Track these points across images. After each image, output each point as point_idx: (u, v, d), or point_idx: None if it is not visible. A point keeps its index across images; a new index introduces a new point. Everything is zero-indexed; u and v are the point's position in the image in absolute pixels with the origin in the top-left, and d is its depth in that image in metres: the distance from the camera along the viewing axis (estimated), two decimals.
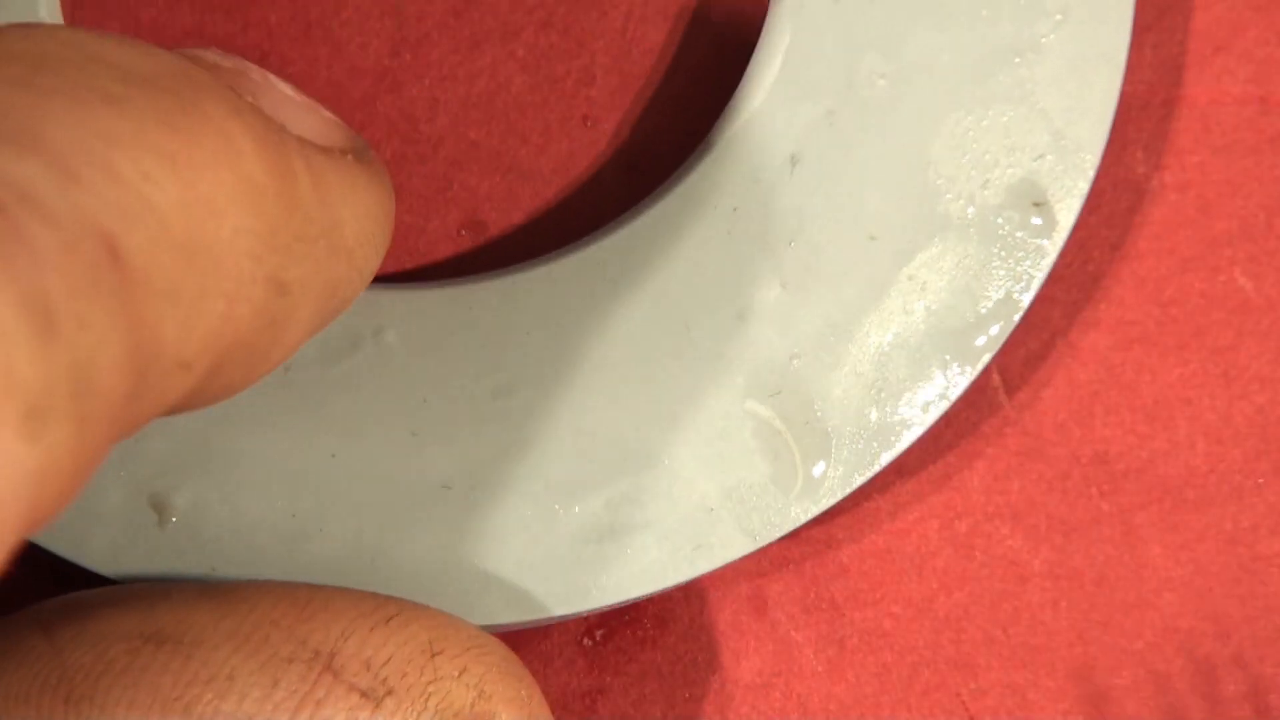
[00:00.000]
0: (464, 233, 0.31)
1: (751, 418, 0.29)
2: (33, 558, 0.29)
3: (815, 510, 0.29)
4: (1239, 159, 0.31)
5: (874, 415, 0.29)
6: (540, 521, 0.29)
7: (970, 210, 0.29)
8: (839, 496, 0.29)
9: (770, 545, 0.29)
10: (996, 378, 0.31)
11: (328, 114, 0.24)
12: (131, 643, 0.24)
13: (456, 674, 0.25)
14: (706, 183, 0.29)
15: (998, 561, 0.31)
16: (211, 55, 0.22)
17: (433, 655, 0.25)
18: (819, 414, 0.29)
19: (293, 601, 0.25)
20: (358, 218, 0.23)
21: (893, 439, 0.29)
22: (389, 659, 0.25)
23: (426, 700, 0.24)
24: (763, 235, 0.29)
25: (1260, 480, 0.30)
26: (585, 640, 0.31)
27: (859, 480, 0.29)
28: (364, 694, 0.24)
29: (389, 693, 0.24)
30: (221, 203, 0.19)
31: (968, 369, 0.29)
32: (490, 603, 0.28)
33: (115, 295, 0.17)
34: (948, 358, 0.29)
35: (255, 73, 0.23)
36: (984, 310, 0.29)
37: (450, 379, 0.29)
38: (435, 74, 0.31)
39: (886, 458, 0.29)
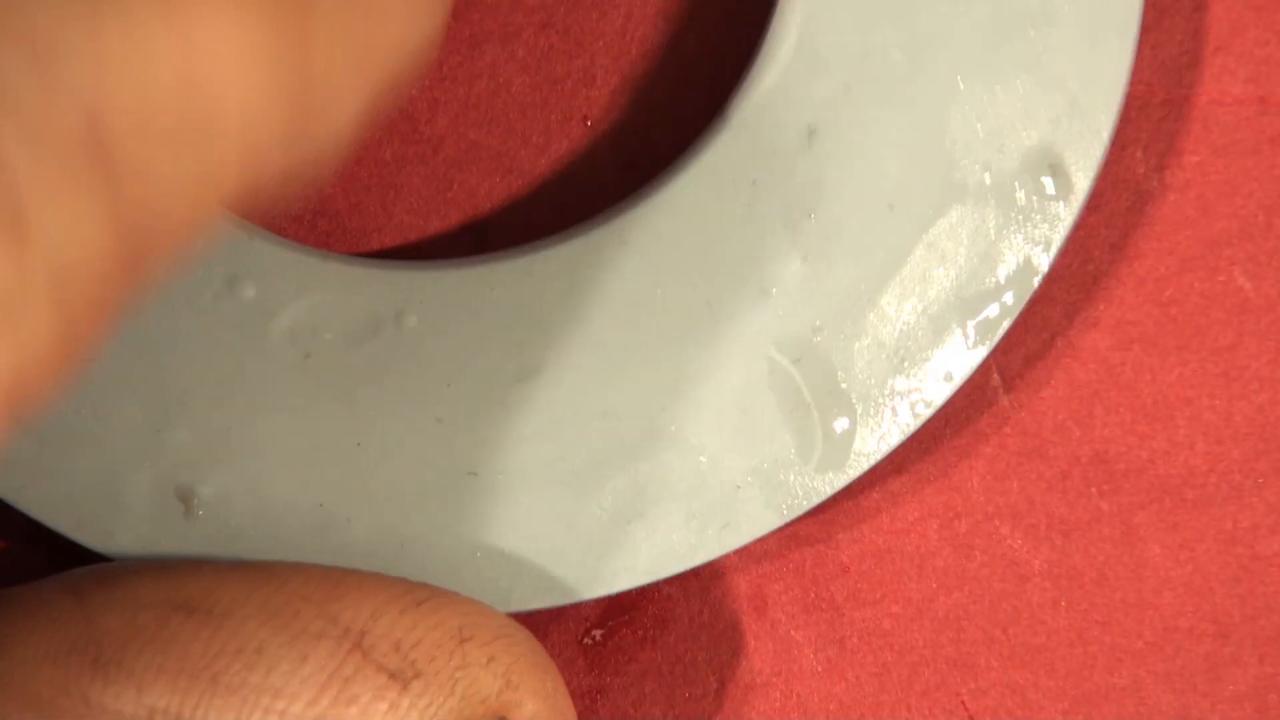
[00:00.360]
0: (464, 233, 0.31)
1: (775, 392, 0.29)
2: (60, 548, 0.29)
3: (842, 481, 0.29)
4: (1239, 159, 0.31)
5: (898, 384, 0.29)
6: (567, 504, 0.29)
7: (987, 177, 0.29)
8: (865, 467, 0.29)
9: (769, 545, 0.29)
10: (996, 377, 0.31)
11: None
12: (161, 610, 0.24)
13: (485, 661, 0.25)
14: (725, 157, 0.29)
15: (998, 561, 0.31)
16: None
17: (462, 641, 0.25)
18: (843, 386, 0.29)
19: (324, 579, 0.25)
20: (384, 25, 0.21)
21: (917, 407, 0.29)
22: (418, 642, 0.25)
23: (454, 686, 0.24)
24: (782, 208, 0.29)
25: (1260, 480, 0.30)
26: (585, 640, 0.31)
27: (885, 449, 0.29)
28: (392, 675, 0.24)
29: (417, 675, 0.24)
30: (221, 46, 0.18)
31: (988, 335, 0.29)
32: (520, 588, 0.28)
33: (96, 184, 0.16)
34: (969, 324, 0.29)
35: None
36: (1004, 276, 0.29)
37: (473, 363, 0.29)
38: (435, 74, 0.31)
39: (911, 426, 0.29)
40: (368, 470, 0.28)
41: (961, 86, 0.29)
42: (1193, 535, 0.31)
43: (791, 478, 0.29)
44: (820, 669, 0.30)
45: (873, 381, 0.29)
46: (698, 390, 0.29)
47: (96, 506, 0.28)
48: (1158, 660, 0.30)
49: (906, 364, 0.29)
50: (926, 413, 0.29)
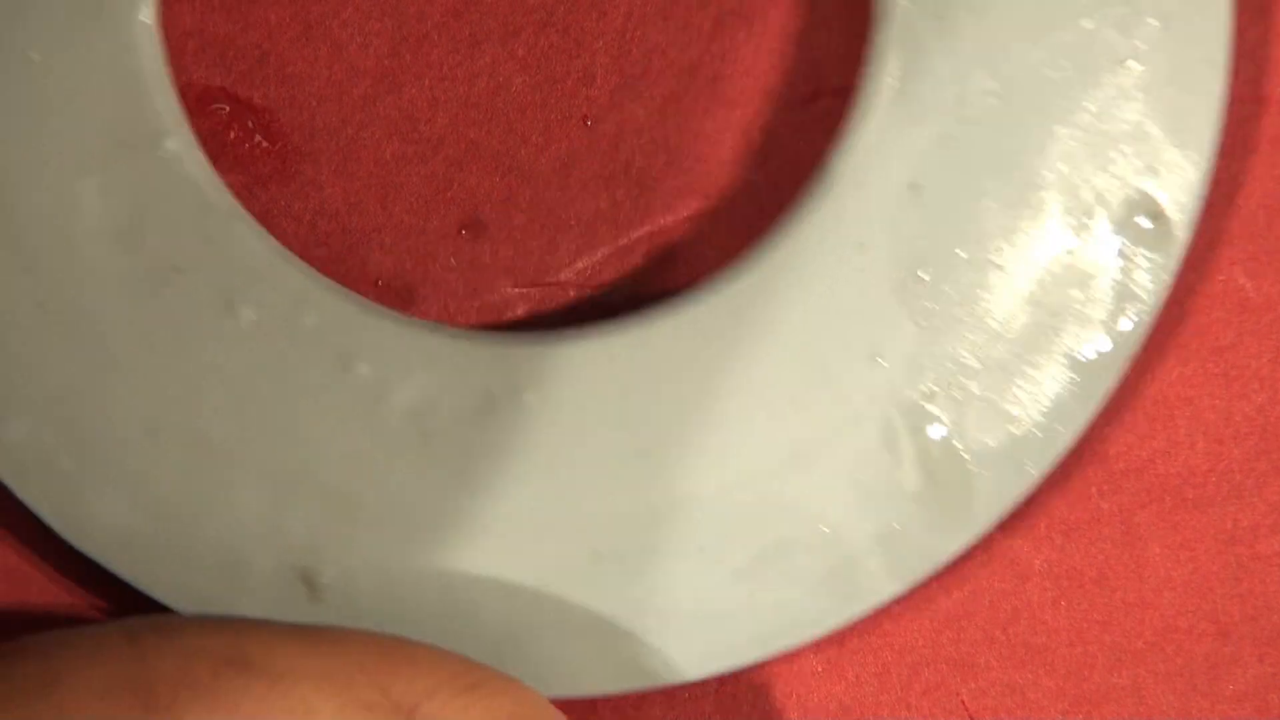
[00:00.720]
0: (464, 233, 0.31)
1: (892, 458, 0.29)
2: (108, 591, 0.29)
3: (963, 542, 0.29)
4: (1239, 159, 0.31)
5: (1013, 441, 0.29)
6: (691, 581, 0.28)
7: (1088, 224, 0.28)
8: (983, 527, 0.29)
9: None
10: None
11: None
12: (216, 663, 0.24)
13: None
14: (831, 219, 0.29)
15: (998, 561, 0.31)
16: None
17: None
18: (959, 448, 0.28)
19: (381, 649, 0.25)
20: None
21: (1033, 461, 0.29)
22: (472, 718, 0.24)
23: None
24: (891, 269, 0.28)
25: (1260, 480, 0.30)
26: None
27: (1002, 507, 0.29)
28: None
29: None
30: None
31: (1098, 384, 0.29)
32: (648, 666, 0.29)
33: None
34: (1080, 375, 0.28)
35: None
36: (1110, 323, 0.28)
37: (592, 439, 0.29)
38: (435, 74, 0.31)
39: (1027, 482, 0.29)
40: (491, 549, 0.28)
41: (1056, 131, 0.28)
42: (1193, 535, 0.31)
43: (911, 542, 0.29)
44: (820, 669, 0.30)
45: (987, 441, 0.28)
46: (815, 459, 0.29)
47: (220, 590, 0.28)
48: (1158, 660, 0.30)
49: (1021, 419, 0.29)
50: (1042, 467, 0.29)
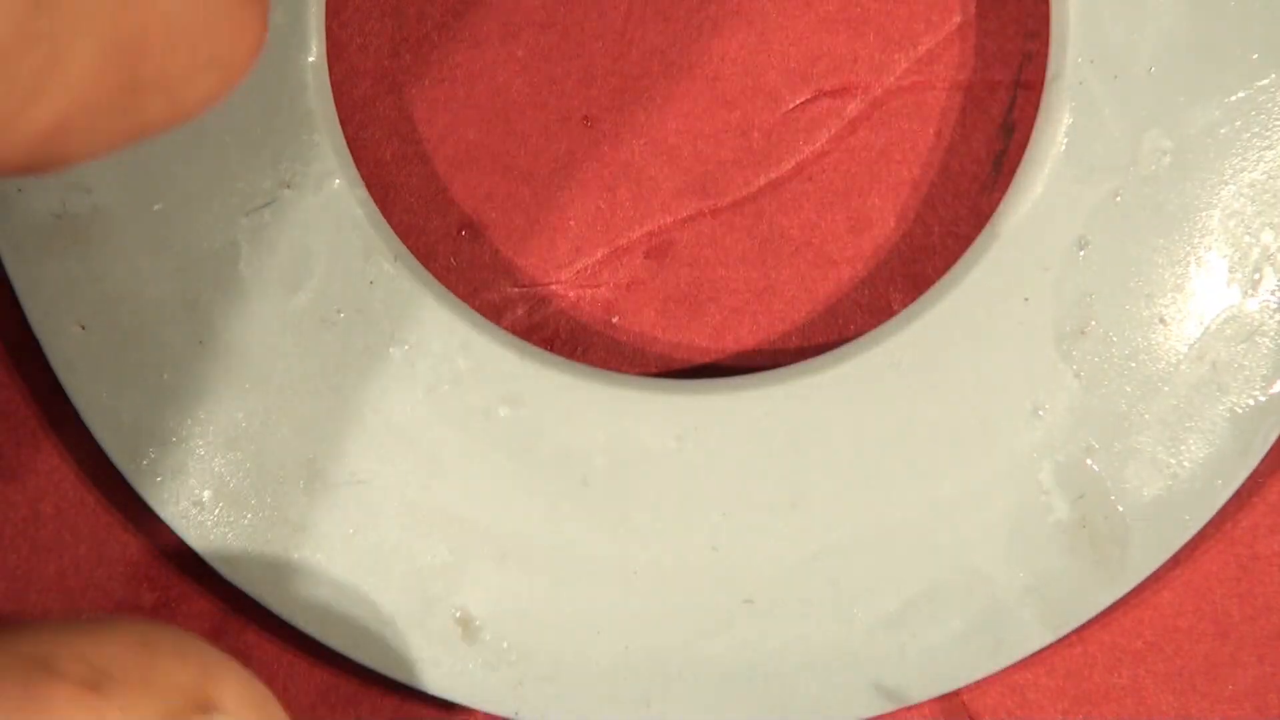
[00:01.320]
0: (464, 233, 0.31)
1: (1049, 512, 0.29)
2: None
3: (1117, 594, 0.29)
4: None
5: (1172, 498, 0.29)
6: (841, 628, 0.29)
7: (1259, 283, 0.28)
8: (1139, 579, 0.29)
9: None
10: None
11: None
12: (25, 665, 0.25)
13: (176, 657, 0.25)
14: (996, 273, 0.29)
15: None
16: None
17: (147, 644, 0.25)
18: (1116, 503, 0.28)
19: (3, 625, 0.25)
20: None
21: (1189, 519, 0.29)
22: (102, 651, 0.24)
23: (149, 684, 0.24)
24: (1054, 324, 0.29)
25: (1260, 480, 0.30)
26: None
27: (1158, 561, 0.29)
28: (83, 683, 0.24)
29: (109, 678, 0.24)
30: None
31: (1262, 440, 0.28)
32: (797, 714, 0.29)
33: None
34: (1243, 432, 0.28)
35: None
36: (1274, 379, 0.28)
37: (747, 489, 0.29)
38: (435, 74, 0.31)
39: (1184, 536, 0.29)
40: (644, 593, 0.29)
41: (1228, 188, 0.28)
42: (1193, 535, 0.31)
43: (1065, 595, 0.29)
44: None
45: (1145, 496, 0.28)
46: (971, 511, 0.29)
47: (386, 636, 0.29)
48: (1158, 660, 0.30)
49: (1180, 477, 0.29)
50: (1200, 520, 0.29)
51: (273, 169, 0.28)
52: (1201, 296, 0.28)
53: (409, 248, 0.31)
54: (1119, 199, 0.28)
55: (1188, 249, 0.28)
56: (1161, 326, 0.28)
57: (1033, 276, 0.29)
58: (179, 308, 0.28)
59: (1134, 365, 0.28)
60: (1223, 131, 0.28)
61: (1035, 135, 0.29)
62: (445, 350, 0.29)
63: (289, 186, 0.28)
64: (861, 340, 0.29)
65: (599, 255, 0.31)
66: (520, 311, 0.31)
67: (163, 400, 0.28)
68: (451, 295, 0.29)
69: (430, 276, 0.29)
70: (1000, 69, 0.31)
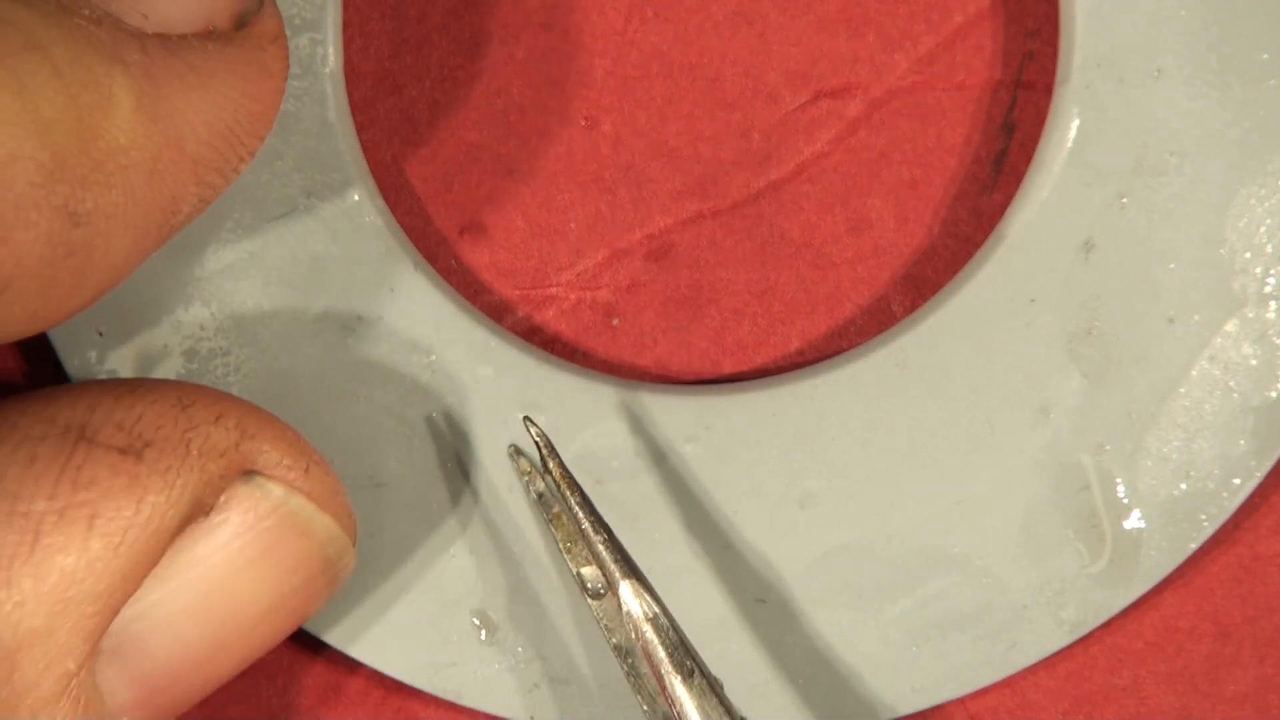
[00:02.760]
0: (464, 235, 0.31)
1: (1059, 511, 0.29)
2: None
3: (1131, 596, 0.29)
4: None
5: (1184, 498, 0.28)
6: (854, 629, 0.29)
7: (1269, 283, 0.28)
8: (1154, 581, 0.29)
9: None
10: None
11: None
12: None
13: (214, 420, 0.25)
14: (1003, 275, 0.29)
15: None
16: None
17: (184, 407, 0.25)
18: (1126, 502, 0.28)
19: (37, 395, 0.25)
20: (211, 120, 0.23)
21: (1204, 519, 0.28)
22: (140, 417, 0.24)
23: (188, 446, 0.24)
24: (1061, 325, 0.29)
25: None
26: None
27: (1173, 563, 0.29)
28: (122, 451, 0.24)
29: (147, 445, 0.24)
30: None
31: (1278, 440, 0.28)
32: (809, 714, 0.29)
33: None
34: (1255, 432, 0.28)
35: None
36: None
37: (757, 490, 0.29)
38: (435, 75, 0.31)
39: (1200, 536, 0.28)
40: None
41: (1237, 191, 0.28)
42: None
43: (1079, 595, 0.29)
44: None
45: (1158, 496, 0.28)
46: (981, 511, 0.29)
47: (404, 638, 0.29)
48: (1158, 660, 0.30)
49: (1192, 476, 0.28)
50: (1216, 521, 0.28)
51: (293, 178, 0.28)
52: (1210, 297, 0.28)
53: (409, 250, 0.31)
54: (1125, 201, 0.28)
55: (1196, 251, 0.28)
56: (1170, 327, 0.28)
57: (1040, 278, 0.29)
58: (200, 316, 0.28)
59: (1143, 365, 0.28)
60: (1230, 133, 0.28)
61: (1043, 138, 0.29)
62: (464, 357, 0.29)
63: (309, 195, 0.28)
64: (871, 341, 0.29)
65: (599, 257, 0.31)
66: (521, 314, 0.31)
67: None
68: (468, 303, 0.29)
69: (448, 285, 0.29)
70: (1000, 69, 0.31)
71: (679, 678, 0.26)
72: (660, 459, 0.29)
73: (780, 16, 0.31)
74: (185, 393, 0.25)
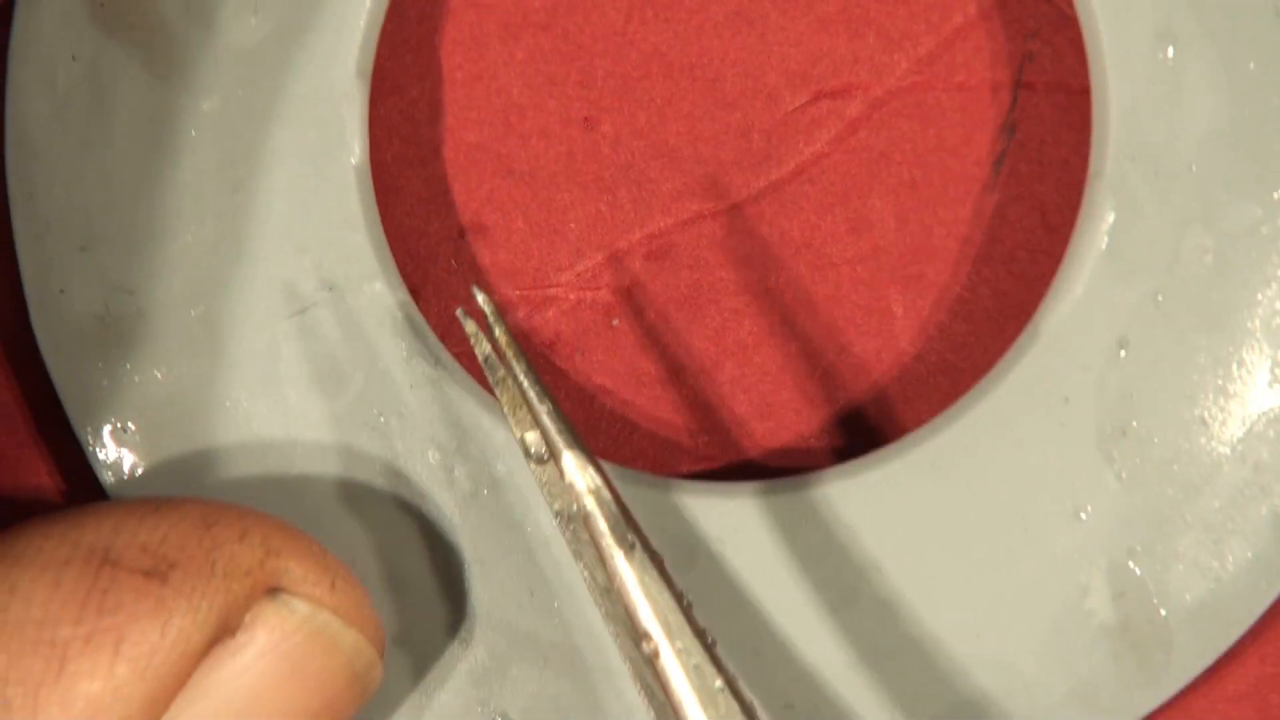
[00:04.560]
0: (464, 236, 0.31)
1: (1092, 615, 0.28)
2: None
3: (1160, 699, 0.28)
4: None
5: (1214, 600, 0.28)
6: None
7: None
8: (1182, 684, 0.28)
9: None
10: None
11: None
12: None
13: (238, 538, 0.25)
14: (1036, 373, 0.28)
15: None
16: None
17: (208, 527, 0.25)
18: (1159, 606, 0.28)
19: (62, 516, 0.25)
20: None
21: (1234, 622, 0.28)
22: (165, 538, 0.24)
23: (213, 566, 0.24)
24: (1095, 425, 0.28)
25: None
26: None
27: (1202, 666, 0.28)
28: (147, 573, 0.24)
29: (172, 566, 0.24)
30: None
31: None
32: None
33: None
34: None
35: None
36: None
37: (790, 593, 0.28)
38: (435, 76, 0.31)
39: (1228, 640, 0.28)
40: None
41: (1270, 287, 0.28)
42: None
43: (1109, 697, 0.28)
44: None
45: (1188, 598, 0.28)
46: (1013, 612, 0.28)
47: None
48: None
49: (1223, 581, 0.28)
50: (1244, 625, 0.28)
51: (315, 271, 0.28)
52: (1243, 397, 0.28)
53: (409, 251, 0.31)
54: (1160, 298, 0.28)
55: (1230, 349, 0.28)
56: (1203, 427, 0.28)
57: (1074, 376, 0.28)
58: (221, 410, 0.28)
59: (1176, 467, 0.28)
60: (1264, 229, 0.28)
61: (1076, 233, 0.29)
62: (485, 456, 0.29)
63: (331, 289, 0.28)
64: (903, 441, 0.29)
65: (599, 258, 0.31)
66: (520, 314, 0.31)
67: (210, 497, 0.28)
68: (492, 399, 0.29)
69: (472, 381, 0.29)
70: (1000, 69, 0.31)
71: (620, 551, 0.25)
72: (692, 559, 0.29)
73: (780, 16, 0.31)
74: (209, 511, 0.25)
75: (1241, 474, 0.28)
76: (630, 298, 0.31)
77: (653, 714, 0.25)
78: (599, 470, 0.26)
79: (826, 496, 0.29)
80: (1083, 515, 0.28)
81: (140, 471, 0.28)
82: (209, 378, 0.28)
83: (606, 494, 0.26)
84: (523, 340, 0.31)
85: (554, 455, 0.26)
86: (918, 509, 0.28)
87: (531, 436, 0.27)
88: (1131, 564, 0.28)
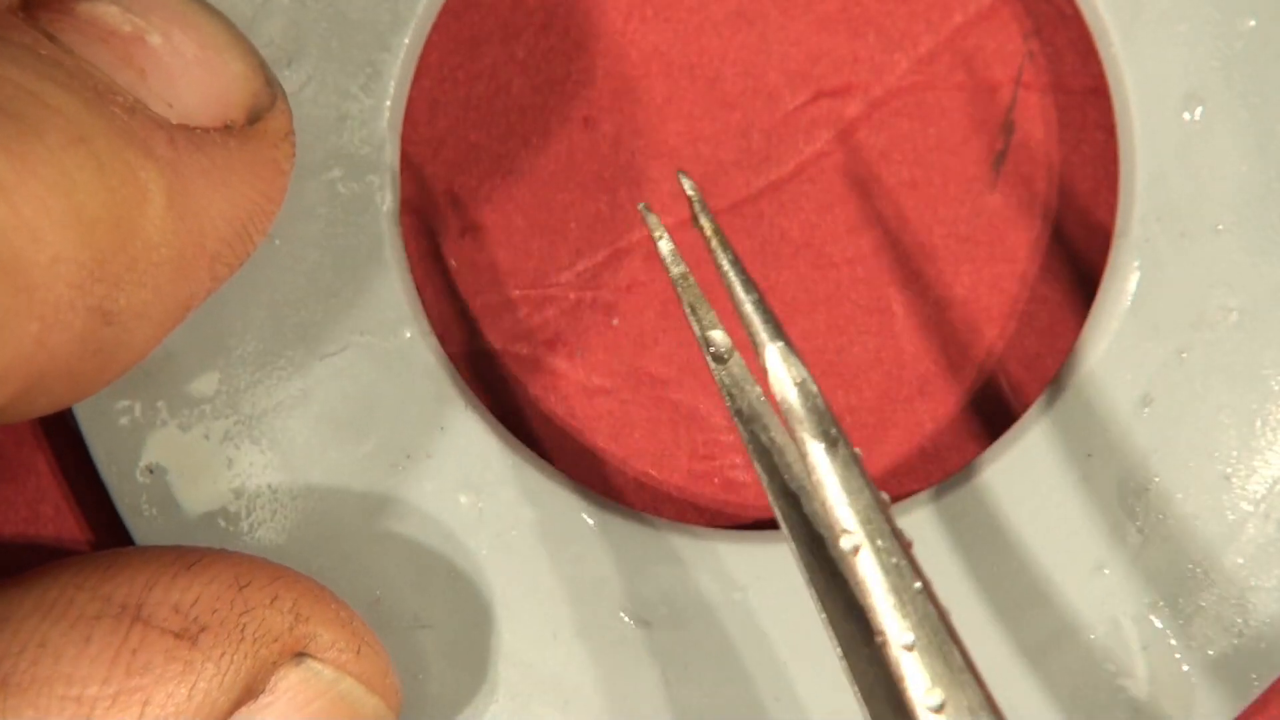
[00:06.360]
0: (465, 235, 0.31)
1: (1112, 671, 0.28)
2: None
3: None
4: None
5: (1238, 656, 0.28)
6: None
7: None
8: None
9: None
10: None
11: (230, 68, 0.24)
12: None
13: (269, 602, 0.25)
14: (1060, 428, 0.29)
15: None
16: (112, 16, 0.23)
17: (240, 589, 0.25)
18: (1181, 662, 0.28)
19: (95, 566, 0.25)
20: (229, 216, 0.23)
21: (1255, 678, 0.28)
22: (196, 599, 0.24)
23: (242, 631, 0.24)
24: (1117, 481, 0.28)
25: None
26: None
27: (1226, 719, 0.28)
28: (178, 635, 0.24)
29: (203, 629, 0.24)
30: (44, 229, 0.20)
31: None
32: None
33: None
34: None
35: (155, 35, 0.23)
36: None
37: (810, 641, 0.28)
38: (435, 75, 0.31)
39: (1250, 695, 0.28)
40: None
41: None
42: None
43: None
44: None
45: (1210, 654, 0.28)
46: (1033, 667, 0.28)
47: None
48: None
49: (1245, 636, 0.28)
50: (1266, 680, 0.28)
51: (347, 315, 0.28)
52: (1266, 455, 0.28)
53: (410, 251, 0.31)
54: (1184, 356, 0.28)
55: (1253, 407, 0.28)
56: (1226, 484, 0.28)
57: (1097, 432, 0.29)
58: (249, 453, 0.28)
59: (1198, 523, 0.28)
60: None
61: (1102, 291, 0.29)
62: (513, 499, 0.29)
63: (363, 333, 0.28)
64: (924, 494, 0.29)
65: (599, 257, 0.31)
66: (521, 313, 0.31)
67: (232, 544, 0.28)
68: (520, 442, 0.29)
69: (499, 424, 0.29)
70: (1000, 69, 0.31)
71: (823, 444, 0.24)
72: (711, 607, 0.29)
73: (780, 16, 0.31)
74: (241, 571, 0.25)
75: (1265, 531, 0.28)
76: (630, 298, 0.31)
77: (827, 617, 0.24)
78: (803, 363, 0.25)
79: None
80: (1105, 570, 0.28)
81: (168, 514, 0.28)
82: (238, 419, 0.28)
83: (813, 387, 0.24)
84: (523, 340, 0.31)
85: (758, 348, 0.25)
86: (938, 561, 0.28)
87: (716, 335, 0.26)
88: (1153, 618, 0.28)
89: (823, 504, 0.24)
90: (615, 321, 0.31)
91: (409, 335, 0.29)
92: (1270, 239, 0.28)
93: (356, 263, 0.28)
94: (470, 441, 0.29)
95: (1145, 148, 0.28)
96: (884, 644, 0.24)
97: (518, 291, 0.31)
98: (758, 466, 0.25)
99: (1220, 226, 0.28)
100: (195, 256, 0.22)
